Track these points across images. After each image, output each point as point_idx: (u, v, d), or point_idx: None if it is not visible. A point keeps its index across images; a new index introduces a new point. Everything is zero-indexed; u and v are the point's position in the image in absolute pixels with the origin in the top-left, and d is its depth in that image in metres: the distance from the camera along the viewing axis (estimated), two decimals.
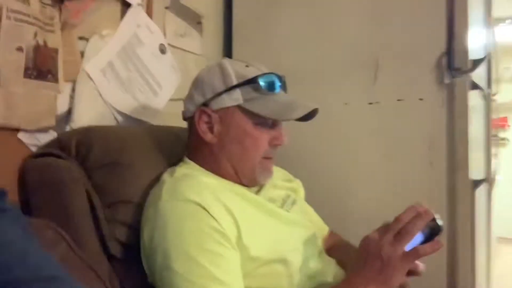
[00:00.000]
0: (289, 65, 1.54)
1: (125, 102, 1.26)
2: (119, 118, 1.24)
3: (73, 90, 1.13)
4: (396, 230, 0.80)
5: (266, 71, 1.00)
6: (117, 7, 1.24)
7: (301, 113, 0.97)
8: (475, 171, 1.42)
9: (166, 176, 0.95)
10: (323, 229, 1.22)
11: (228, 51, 1.68)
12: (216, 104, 0.97)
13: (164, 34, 1.41)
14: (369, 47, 1.47)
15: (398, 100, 1.43)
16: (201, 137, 0.98)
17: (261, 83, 0.96)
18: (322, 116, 1.47)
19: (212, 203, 0.87)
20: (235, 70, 0.98)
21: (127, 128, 1.16)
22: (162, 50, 1.37)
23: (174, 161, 1.04)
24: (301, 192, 1.20)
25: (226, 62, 1.00)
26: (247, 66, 1.00)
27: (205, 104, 0.98)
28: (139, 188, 0.96)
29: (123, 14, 1.25)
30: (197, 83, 1.01)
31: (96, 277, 0.72)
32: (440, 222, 0.83)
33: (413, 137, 1.41)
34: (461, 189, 1.36)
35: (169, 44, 1.41)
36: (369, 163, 1.46)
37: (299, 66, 1.54)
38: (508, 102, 4.35)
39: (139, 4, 1.29)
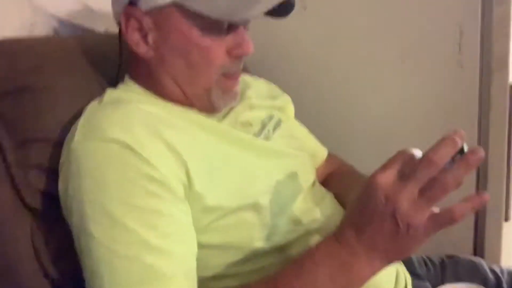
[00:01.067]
0: None
1: (64, 4, 0.99)
2: (59, 28, 0.98)
3: None
4: (423, 179, 0.51)
5: None
6: None
7: (265, 6, 0.68)
8: None
9: (92, 103, 0.71)
10: (320, 155, 0.98)
11: None
12: (146, 3, 0.69)
13: None
14: None
15: None
16: (134, 50, 0.72)
17: None
18: (321, 9, 1.21)
19: (146, 140, 0.63)
20: None
21: (50, 40, 0.89)
22: None
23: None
24: (290, 110, 0.96)
25: None
26: None
27: (133, 3, 0.70)
28: (60, 120, 0.72)
29: None
30: None
31: None
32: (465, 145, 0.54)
33: (436, 32, 1.11)
34: (495, 96, 1.08)
35: None
36: (379, 67, 1.17)
37: None
38: None
39: None
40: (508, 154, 1.10)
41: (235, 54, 0.72)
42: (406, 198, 0.51)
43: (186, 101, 0.74)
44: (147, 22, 0.70)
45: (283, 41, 1.25)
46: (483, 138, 1.11)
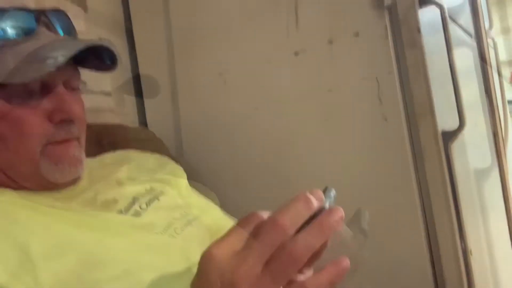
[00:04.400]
0: (191, 26, 1.22)
1: None
2: None
3: None
4: (267, 249, 0.40)
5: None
6: None
7: (57, 62, 0.58)
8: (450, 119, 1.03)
9: None
10: (224, 228, 0.86)
11: (127, 21, 1.35)
12: None
13: None
14: None
15: (329, 41, 1.07)
16: None
17: None
18: (240, 80, 1.17)
19: None
20: None
21: None
22: None
23: None
24: (180, 179, 0.84)
25: None
26: None
27: None
28: None
29: None
30: None
31: None
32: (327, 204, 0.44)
33: (356, 87, 1.05)
34: (426, 145, 0.99)
35: None
36: (305, 130, 1.10)
37: (201, 25, 1.20)
38: None
39: None
40: (456, 209, 0.98)
41: (57, 119, 0.62)
42: (246, 275, 0.39)
43: (14, 185, 0.63)
44: None
45: (207, 115, 1.21)
46: (423, 192, 1.00)
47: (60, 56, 0.58)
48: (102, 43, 0.63)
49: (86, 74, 1.24)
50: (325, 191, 0.46)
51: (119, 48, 1.32)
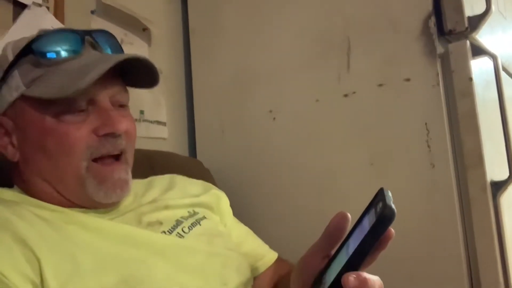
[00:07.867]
0: (246, 66, 1.27)
1: None
2: None
3: None
4: None
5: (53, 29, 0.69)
6: (7, 8, 1.04)
7: (96, 74, 0.61)
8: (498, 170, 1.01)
9: None
10: (264, 258, 0.87)
11: (186, 59, 1.43)
12: (0, 104, 0.68)
13: None
14: (334, 24, 1.14)
15: (379, 85, 1.08)
16: (5, 155, 0.69)
17: (38, 50, 0.64)
18: (289, 118, 1.20)
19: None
20: (15, 45, 0.67)
21: None
22: None
23: None
24: (223, 206, 0.87)
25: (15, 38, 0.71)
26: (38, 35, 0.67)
27: None
28: None
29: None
30: None
31: None
32: (391, 201, 0.46)
33: (404, 132, 1.05)
34: (475, 195, 0.97)
35: None
36: (351, 173, 1.10)
37: (255, 65, 1.25)
38: None
39: (39, 5, 1.08)
40: (503, 268, 0.95)
41: (102, 134, 0.65)
42: None
43: (63, 200, 0.67)
44: (8, 123, 0.68)
45: (254, 150, 1.24)
46: (469, 242, 0.97)
47: (100, 68, 0.62)
48: (140, 56, 0.67)
49: (145, 105, 1.31)
50: (380, 192, 0.48)
51: (178, 81, 1.40)
